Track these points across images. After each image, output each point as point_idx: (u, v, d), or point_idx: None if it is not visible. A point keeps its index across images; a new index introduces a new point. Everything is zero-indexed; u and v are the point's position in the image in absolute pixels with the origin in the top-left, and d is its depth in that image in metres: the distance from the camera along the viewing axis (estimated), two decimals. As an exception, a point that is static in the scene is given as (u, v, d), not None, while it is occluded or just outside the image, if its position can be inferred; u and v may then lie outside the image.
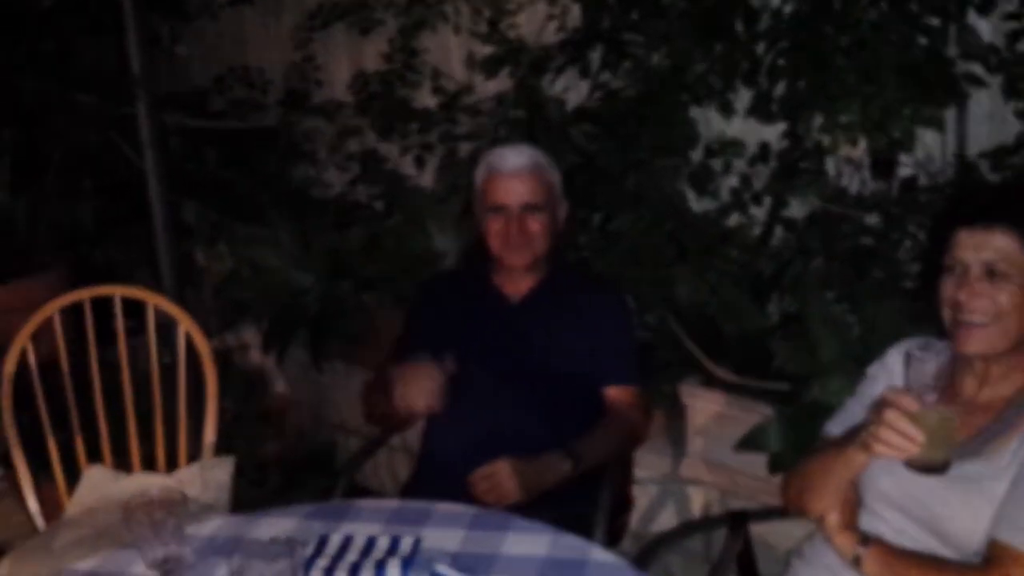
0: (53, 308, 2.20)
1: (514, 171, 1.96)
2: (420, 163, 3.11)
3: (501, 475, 1.77)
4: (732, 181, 2.45)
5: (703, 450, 2.45)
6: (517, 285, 2.04)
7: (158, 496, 1.41)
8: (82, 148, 3.02)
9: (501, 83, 2.85)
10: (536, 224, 1.96)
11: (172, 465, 2.26)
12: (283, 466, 2.94)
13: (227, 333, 3.13)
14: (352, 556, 1.43)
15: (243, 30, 3.75)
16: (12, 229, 2.86)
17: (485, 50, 2.82)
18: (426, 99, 3.20)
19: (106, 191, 3.08)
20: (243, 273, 3.03)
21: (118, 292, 2.24)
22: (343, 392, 3.18)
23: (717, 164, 2.45)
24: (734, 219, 2.44)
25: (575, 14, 2.67)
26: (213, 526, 1.58)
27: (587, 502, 1.81)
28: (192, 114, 3.27)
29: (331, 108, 3.39)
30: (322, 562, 1.41)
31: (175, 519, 1.36)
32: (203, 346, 2.24)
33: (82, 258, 3.10)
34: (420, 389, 1.85)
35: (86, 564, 1.50)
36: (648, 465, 2.48)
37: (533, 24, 2.78)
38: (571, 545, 1.46)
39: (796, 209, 2.38)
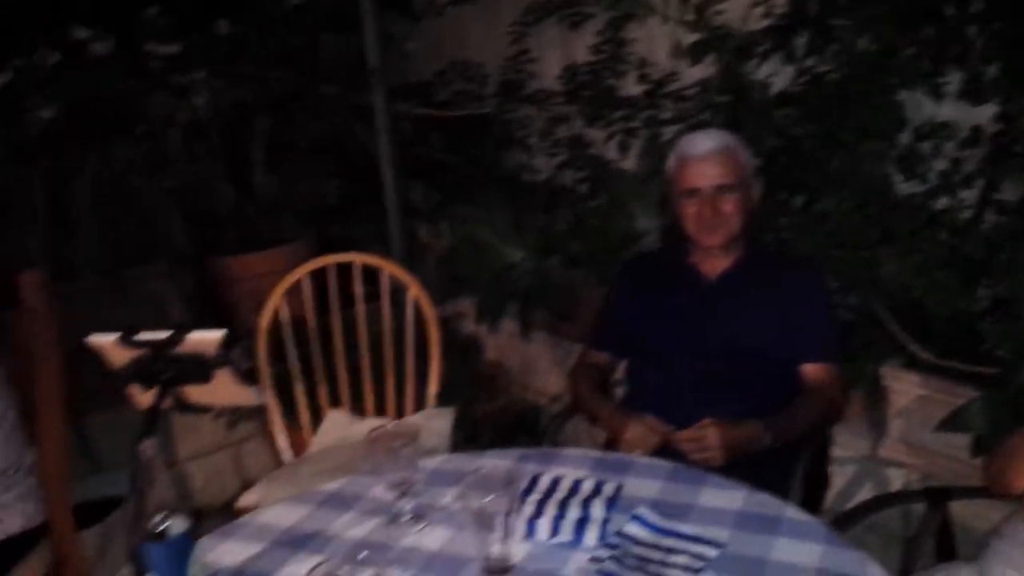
0: (303, 272, 2.52)
1: (705, 154, 2.03)
2: (624, 148, 3.23)
3: (709, 437, 1.84)
4: (941, 164, 2.42)
5: (903, 432, 2.45)
6: (713, 265, 2.11)
7: (396, 429, 1.63)
8: (326, 134, 3.37)
9: (705, 70, 2.92)
10: (729, 204, 2.03)
11: (400, 413, 2.53)
12: (493, 425, 3.18)
13: (446, 303, 3.41)
14: (560, 494, 1.60)
15: (464, 28, 4.03)
16: (267, 205, 3.25)
17: (691, 38, 2.90)
18: (631, 87, 3.32)
19: (345, 173, 3.42)
20: (461, 249, 3.28)
21: (358, 260, 2.53)
22: (547, 360, 3.39)
23: (926, 147, 2.43)
24: (942, 202, 2.41)
25: (781, 0, 2.71)
26: (439, 460, 1.81)
27: (782, 475, 1.85)
28: (419, 104, 3.56)
29: (542, 97, 3.58)
30: (534, 496, 1.58)
31: (410, 448, 1.58)
32: (429, 311, 2.50)
33: (323, 232, 3.46)
34: (643, 445, 1.94)
35: (331, 486, 1.76)
36: (846, 445, 2.50)
37: (738, 11, 2.83)
38: (766, 502, 1.53)
39: (1009, 192, 2.32)
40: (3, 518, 1.88)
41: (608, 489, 1.61)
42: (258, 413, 3.07)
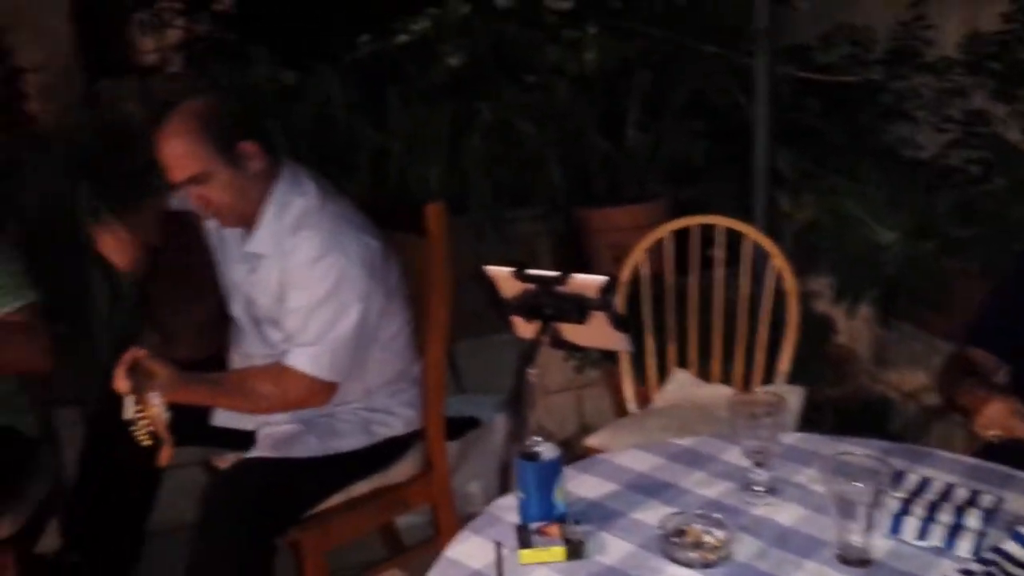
0: (666, 230, 2.56)
1: None
2: (1034, 129, 2.90)
3: None
4: None
5: None
6: None
7: (761, 397, 1.62)
8: (700, 94, 3.37)
9: None
10: None
11: (746, 384, 2.51)
12: (835, 411, 3.05)
13: (800, 278, 3.29)
14: (931, 496, 1.50)
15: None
16: (636, 161, 3.32)
17: None
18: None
19: (712, 135, 3.40)
20: (824, 223, 3.15)
21: (722, 223, 2.52)
22: (905, 353, 3.17)
23: None
24: None
25: None
26: (796, 437, 1.78)
27: None
28: (799, 67, 3.43)
29: (942, 67, 3.30)
30: (900, 493, 1.50)
31: (773, 418, 1.56)
32: (791, 283, 2.44)
33: (678, 192, 3.47)
34: (1004, 426, 1.78)
35: (684, 442, 1.79)
36: None
37: None
38: None
39: None
40: (389, 420, 2.13)
41: (986, 501, 1.49)
42: (604, 362, 3.19)
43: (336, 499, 2.06)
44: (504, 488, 1.58)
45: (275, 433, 2.02)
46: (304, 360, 1.89)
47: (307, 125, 2.86)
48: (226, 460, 2.19)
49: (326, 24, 3.65)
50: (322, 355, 1.89)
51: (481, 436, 2.87)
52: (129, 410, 1.67)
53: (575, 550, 1.39)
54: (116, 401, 2.11)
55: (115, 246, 2.00)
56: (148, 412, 1.65)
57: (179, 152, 1.85)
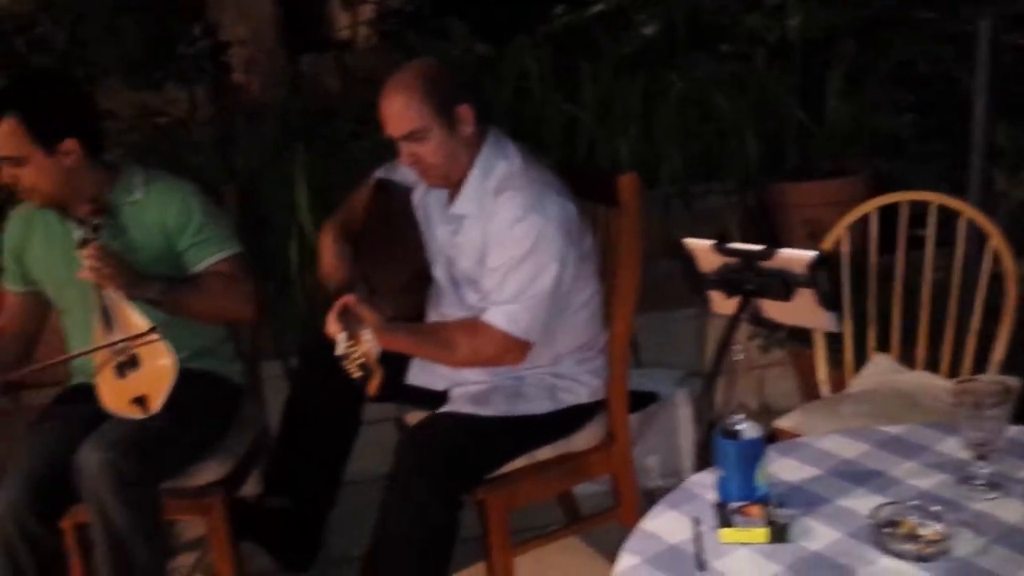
0: (872, 206, 2.42)
1: None
2: None
3: None
4: None
5: None
6: None
7: (987, 386, 1.51)
8: (907, 63, 3.16)
9: None
10: None
11: (953, 372, 2.34)
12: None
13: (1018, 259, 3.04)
14: None
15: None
16: (835, 133, 3.17)
17: None
18: None
19: (919, 107, 3.19)
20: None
21: (935, 200, 2.36)
22: None
23: None
24: None
25: None
26: (1018, 430, 1.64)
27: None
28: (1024, 35, 3.15)
29: None
30: None
31: (1000, 409, 1.44)
32: (1009, 265, 2.25)
33: (877, 167, 3.28)
34: None
35: (892, 429, 1.69)
36: None
37: None
38: None
39: None
40: (575, 388, 2.13)
41: None
42: (791, 341, 3.07)
43: (520, 462, 2.09)
44: (699, 465, 1.54)
45: (466, 392, 2.07)
46: (500, 317, 1.93)
47: (502, 97, 2.88)
48: (417, 417, 2.26)
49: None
50: (518, 313, 1.92)
51: (660, 411, 2.84)
52: (341, 346, 1.76)
53: (779, 533, 1.35)
54: (317, 355, 2.25)
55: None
56: (359, 346, 1.73)
57: (400, 107, 1.92)
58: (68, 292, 2.16)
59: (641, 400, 2.75)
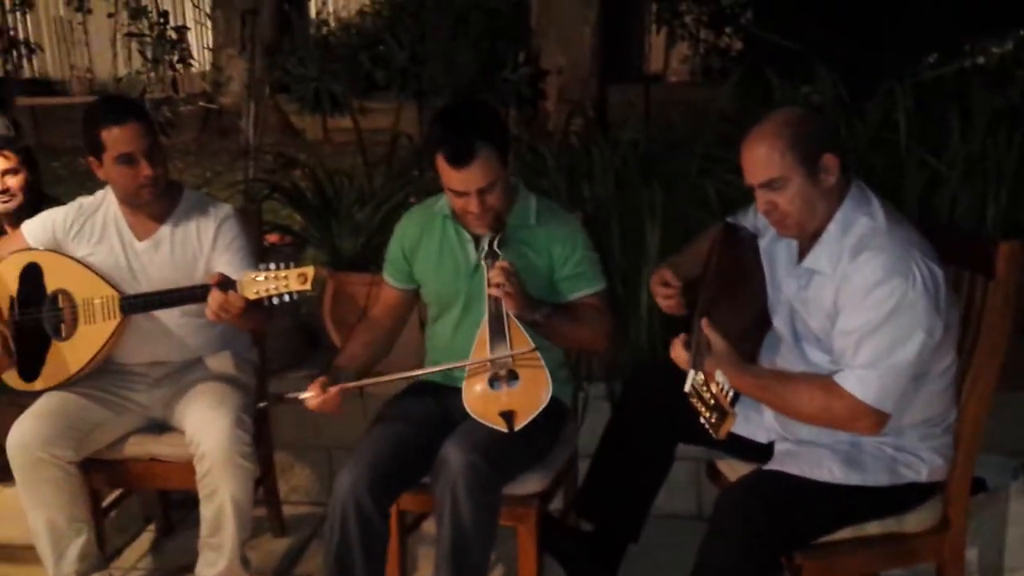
0: None
1: None
2: None
3: None
4: None
5: None
6: None
7: None
8: None
9: None
10: None
11: None
12: None
13: None
14: None
15: None
16: None
17: None
18: None
19: None
20: None
21: None
22: None
23: None
24: None
25: None
26: None
27: None
28: None
29: None
30: None
31: None
32: None
33: None
34: None
35: None
36: None
37: None
38: None
39: None
40: (915, 464, 1.98)
41: None
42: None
43: (845, 533, 1.99)
44: None
45: (795, 451, 2.00)
46: (853, 382, 1.84)
47: (859, 146, 2.76)
48: (728, 465, 2.23)
49: (888, 43, 3.49)
50: (871, 380, 1.83)
51: (988, 501, 2.58)
52: (690, 382, 1.72)
53: None
54: (646, 385, 2.28)
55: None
56: (712, 384, 1.69)
57: (763, 156, 1.90)
58: (448, 298, 2.32)
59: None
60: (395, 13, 4.92)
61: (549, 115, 4.69)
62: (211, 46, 9.68)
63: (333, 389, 2.16)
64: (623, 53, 8.30)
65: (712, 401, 1.67)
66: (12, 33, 11.43)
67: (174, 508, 3.01)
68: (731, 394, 1.67)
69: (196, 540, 2.44)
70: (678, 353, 1.86)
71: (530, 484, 2.23)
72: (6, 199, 2.93)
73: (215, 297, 2.17)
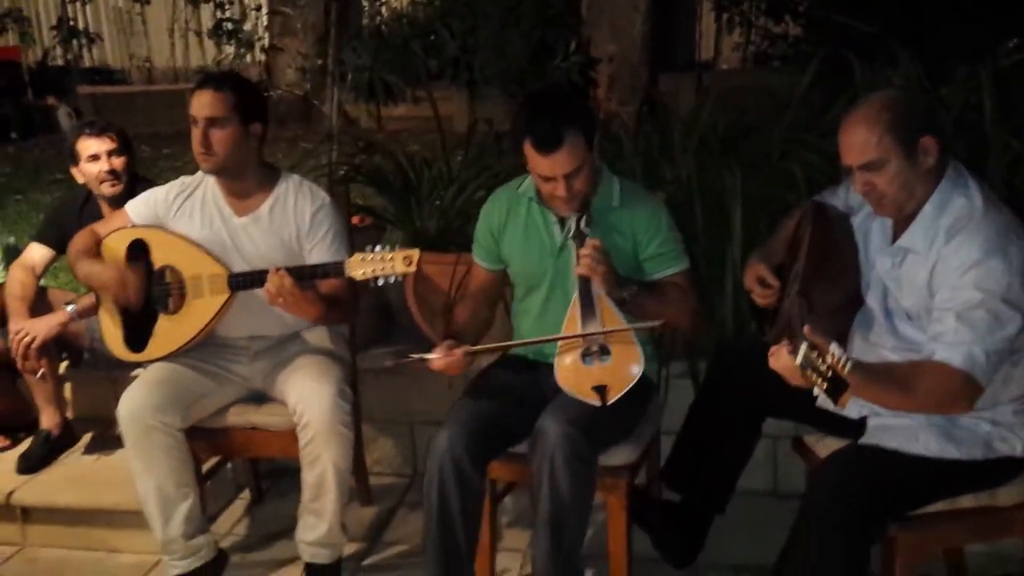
0: None
1: None
2: None
3: None
4: None
5: None
6: None
7: None
8: None
9: None
10: None
11: None
12: None
13: None
14: None
15: None
16: None
17: None
18: None
19: None
20: None
21: None
22: None
23: None
24: None
25: None
26: None
27: None
28: None
29: None
30: None
31: None
32: None
33: None
34: None
35: None
36: None
37: None
38: None
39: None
40: (1009, 438, 2.01)
41: None
42: None
43: (939, 506, 2.02)
44: None
45: (890, 425, 2.03)
46: (957, 355, 1.85)
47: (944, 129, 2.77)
48: (817, 440, 2.26)
49: (967, 26, 3.48)
50: (979, 355, 1.84)
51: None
52: (802, 355, 1.71)
53: None
54: (733, 360, 2.33)
55: None
56: (827, 356, 1.69)
57: (861, 138, 1.94)
58: (535, 278, 2.39)
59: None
60: (447, 3, 4.97)
61: (600, 103, 4.72)
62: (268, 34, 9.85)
63: (459, 351, 2.23)
64: (673, 41, 8.27)
65: (829, 372, 1.68)
66: (72, 23, 11.74)
67: (263, 478, 3.13)
68: (848, 364, 1.69)
69: (285, 508, 2.54)
70: (784, 363, 1.82)
71: (620, 456, 2.29)
72: (113, 181, 3.01)
73: (272, 280, 2.31)
